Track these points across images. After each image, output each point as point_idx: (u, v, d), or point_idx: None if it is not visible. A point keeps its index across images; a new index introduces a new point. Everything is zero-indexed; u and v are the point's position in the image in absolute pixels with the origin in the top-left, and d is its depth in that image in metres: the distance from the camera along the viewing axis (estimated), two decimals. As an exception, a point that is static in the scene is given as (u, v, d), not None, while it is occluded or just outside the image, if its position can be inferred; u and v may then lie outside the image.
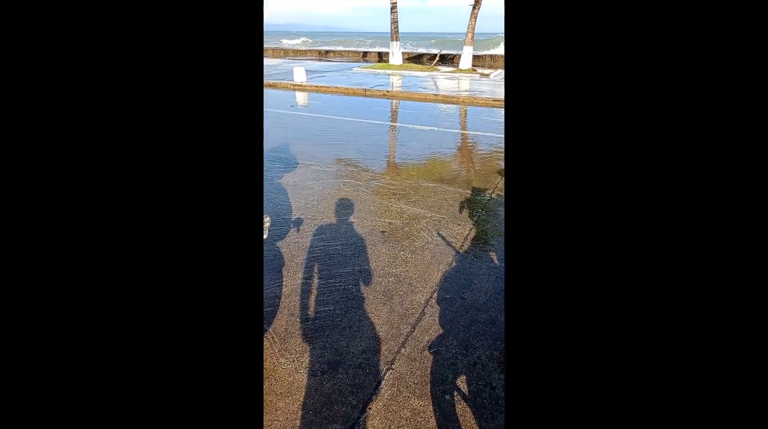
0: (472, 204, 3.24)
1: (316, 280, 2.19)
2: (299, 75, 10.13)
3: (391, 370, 1.61)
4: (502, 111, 5.98)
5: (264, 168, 3.99)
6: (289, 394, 1.49)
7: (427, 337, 1.79)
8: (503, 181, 3.70)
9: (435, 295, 2.09)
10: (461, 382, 1.56)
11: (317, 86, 9.73)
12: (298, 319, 1.89)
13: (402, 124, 6.16)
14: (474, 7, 12.22)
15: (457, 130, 5.83)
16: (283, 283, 2.16)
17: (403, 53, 14.84)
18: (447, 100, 8.25)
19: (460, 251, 2.52)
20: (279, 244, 2.55)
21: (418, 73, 12.26)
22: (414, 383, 1.55)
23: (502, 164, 4.21)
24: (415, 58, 16.09)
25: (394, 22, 13.55)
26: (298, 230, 2.72)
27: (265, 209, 3.04)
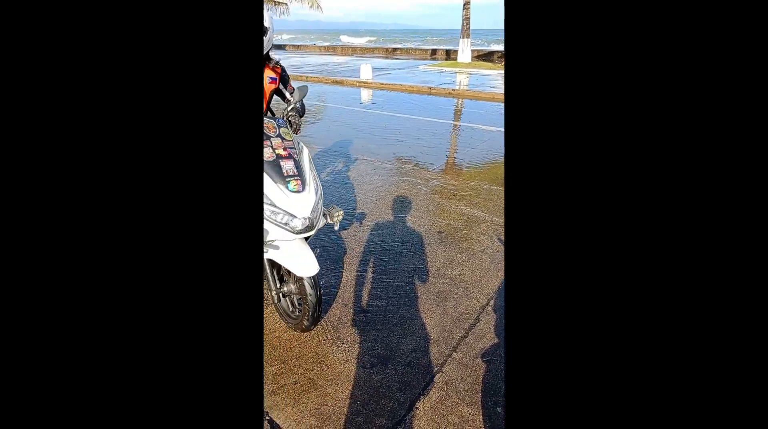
0: (537, 210, 3.06)
1: (370, 274, 2.22)
2: (365, 72, 10.32)
3: (441, 373, 1.58)
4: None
5: (327, 162, 4.13)
6: (338, 382, 1.53)
7: (480, 345, 1.73)
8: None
9: (492, 302, 2.01)
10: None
11: (382, 83, 9.85)
12: (351, 310, 1.93)
13: (466, 124, 6.01)
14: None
15: (524, 132, 5.54)
16: (339, 273, 2.22)
17: (472, 51, 14.46)
18: (515, 100, 7.87)
19: (521, 259, 2.39)
20: (337, 236, 2.62)
21: (487, 71, 11.88)
22: (464, 390, 1.51)
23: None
24: (485, 56, 15.59)
25: (466, 18, 13.24)
26: (360, 225, 2.78)
27: (329, 202, 3.14)
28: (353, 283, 2.15)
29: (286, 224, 1.48)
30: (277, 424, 1.36)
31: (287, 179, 1.49)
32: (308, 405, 1.43)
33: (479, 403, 1.46)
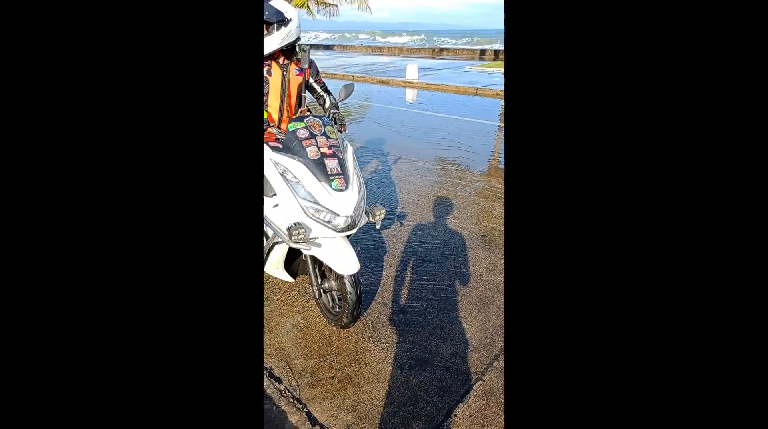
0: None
1: (411, 275, 2.20)
2: (411, 72, 10.29)
3: (481, 381, 1.53)
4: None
5: (370, 160, 4.16)
6: (376, 381, 1.52)
7: (523, 355, 1.65)
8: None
9: (537, 311, 1.91)
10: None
11: (428, 84, 9.77)
12: (390, 310, 1.92)
13: (513, 126, 5.80)
14: None
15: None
16: (379, 271, 2.22)
17: (521, 51, 13.91)
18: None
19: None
20: (381, 234, 2.62)
21: (537, 72, 11.39)
22: (505, 401, 1.44)
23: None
24: (535, 57, 14.96)
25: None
26: (401, 224, 2.77)
27: (372, 201, 3.16)
28: (393, 282, 2.14)
29: (328, 222, 1.49)
30: (315, 417, 1.38)
31: (331, 178, 1.51)
32: (345, 401, 1.44)
33: (521, 416, 1.39)
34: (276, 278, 1.91)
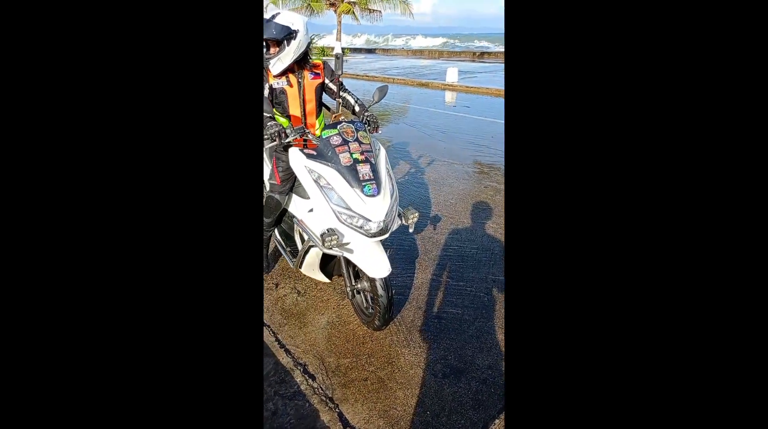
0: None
1: (446, 280, 2.14)
2: (451, 75, 10.18)
3: (519, 397, 1.44)
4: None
5: (408, 162, 4.13)
6: (408, 387, 1.48)
7: (567, 373, 1.55)
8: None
9: (582, 327, 1.80)
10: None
11: (467, 87, 9.62)
12: (424, 314, 1.87)
13: (558, 131, 5.56)
14: None
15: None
16: (414, 274, 2.17)
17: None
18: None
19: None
20: (414, 237, 2.58)
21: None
22: (546, 420, 1.36)
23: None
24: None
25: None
26: (435, 227, 2.71)
27: (407, 202, 3.12)
28: (428, 286, 2.09)
29: (361, 227, 1.50)
30: (347, 419, 1.36)
31: (363, 183, 1.51)
32: (377, 405, 1.41)
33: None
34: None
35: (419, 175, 3.77)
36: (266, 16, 1.66)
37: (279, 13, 1.65)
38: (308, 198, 1.62)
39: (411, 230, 1.77)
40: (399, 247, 2.44)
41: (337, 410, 1.39)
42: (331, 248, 1.51)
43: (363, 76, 11.87)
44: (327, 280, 1.90)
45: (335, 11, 12.75)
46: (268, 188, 1.95)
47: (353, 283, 1.74)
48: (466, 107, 7.34)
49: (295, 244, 2.01)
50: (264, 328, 1.78)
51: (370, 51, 24.76)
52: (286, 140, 1.60)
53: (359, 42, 40.48)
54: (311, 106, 1.81)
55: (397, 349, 1.66)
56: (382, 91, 1.79)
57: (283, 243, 2.09)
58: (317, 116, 1.86)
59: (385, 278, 1.53)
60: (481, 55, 18.81)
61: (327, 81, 1.84)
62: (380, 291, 1.53)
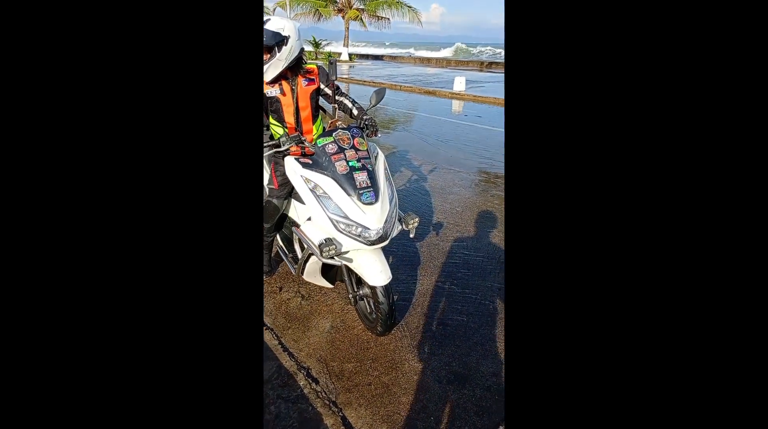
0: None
1: (451, 287, 2.14)
2: (458, 84, 10.23)
3: (524, 406, 1.43)
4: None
5: (413, 169, 4.14)
6: (412, 392, 1.48)
7: (572, 383, 1.53)
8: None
9: (588, 337, 1.78)
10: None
11: (475, 96, 9.65)
12: (429, 321, 1.87)
13: (565, 141, 5.56)
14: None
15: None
16: (419, 281, 2.18)
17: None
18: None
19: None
20: (419, 244, 2.58)
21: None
22: (550, 430, 1.34)
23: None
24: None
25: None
26: (438, 234, 2.71)
27: (410, 209, 3.13)
28: (434, 292, 2.09)
29: (359, 235, 1.48)
30: (350, 423, 1.36)
31: (361, 191, 1.49)
32: (381, 410, 1.41)
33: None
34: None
35: (425, 182, 3.78)
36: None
37: (269, 18, 1.62)
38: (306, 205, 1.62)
39: (412, 235, 1.76)
40: (404, 253, 2.45)
41: (340, 414, 1.39)
42: (329, 258, 1.49)
43: (370, 83, 11.96)
44: (330, 286, 1.90)
45: (343, 17, 12.87)
46: (266, 193, 1.94)
47: (355, 290, 1.74)
48: (473, 116, 7.36)
49: (296, 252, 2.01)
50: (267, 331, 1.78)
51: (377, 57, 24.98)
52: (283, 149, 1.59)
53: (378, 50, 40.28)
54: (306, 113, 1.80)
55: (401, 355, 1.66)
56: (379, 95, 1.79)
57: (285, 249, 2.09)
58: (314, 122, 1.84)
59: (385, 286, 1.52)
60: (489, 65, 18.90)
61: (322, 86, 1.82)
62: (381, 298, 1.53)
